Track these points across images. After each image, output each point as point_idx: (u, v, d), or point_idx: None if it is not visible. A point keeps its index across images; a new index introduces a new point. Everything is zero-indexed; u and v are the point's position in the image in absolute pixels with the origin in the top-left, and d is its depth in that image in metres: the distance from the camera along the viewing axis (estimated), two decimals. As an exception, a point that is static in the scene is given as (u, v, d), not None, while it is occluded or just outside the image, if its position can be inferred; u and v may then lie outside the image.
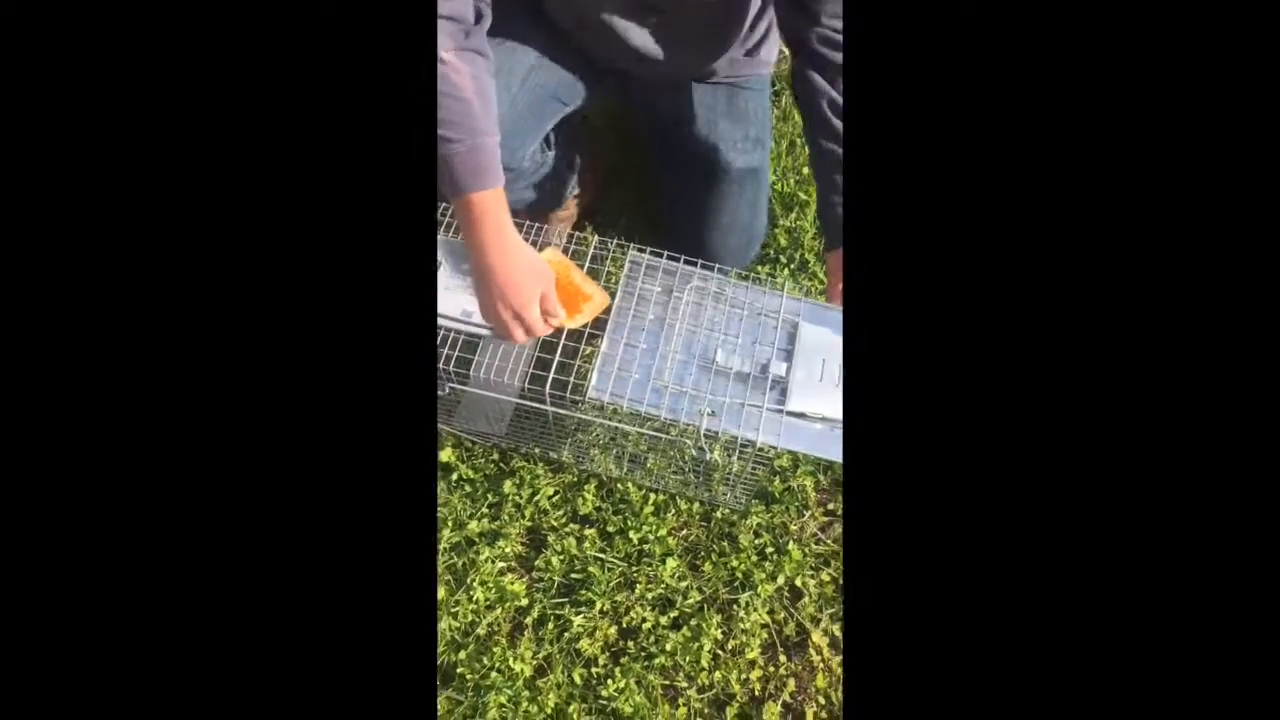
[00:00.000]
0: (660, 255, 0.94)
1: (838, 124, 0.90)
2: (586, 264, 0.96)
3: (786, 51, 1.31)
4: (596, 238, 1.01)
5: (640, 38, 0.97)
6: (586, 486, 1.05)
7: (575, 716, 0.93)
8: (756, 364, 0.89)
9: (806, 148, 1.08)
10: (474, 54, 0.78)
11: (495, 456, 1.08)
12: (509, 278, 0.82)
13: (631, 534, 1.03)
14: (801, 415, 0.87)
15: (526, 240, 0.85)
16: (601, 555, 1.02)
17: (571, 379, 0.86)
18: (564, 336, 0.89)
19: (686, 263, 0.94)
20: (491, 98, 0.80)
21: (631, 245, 0.96)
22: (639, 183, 0.92)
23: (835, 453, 0.87)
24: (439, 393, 0.90)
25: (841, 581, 1.03)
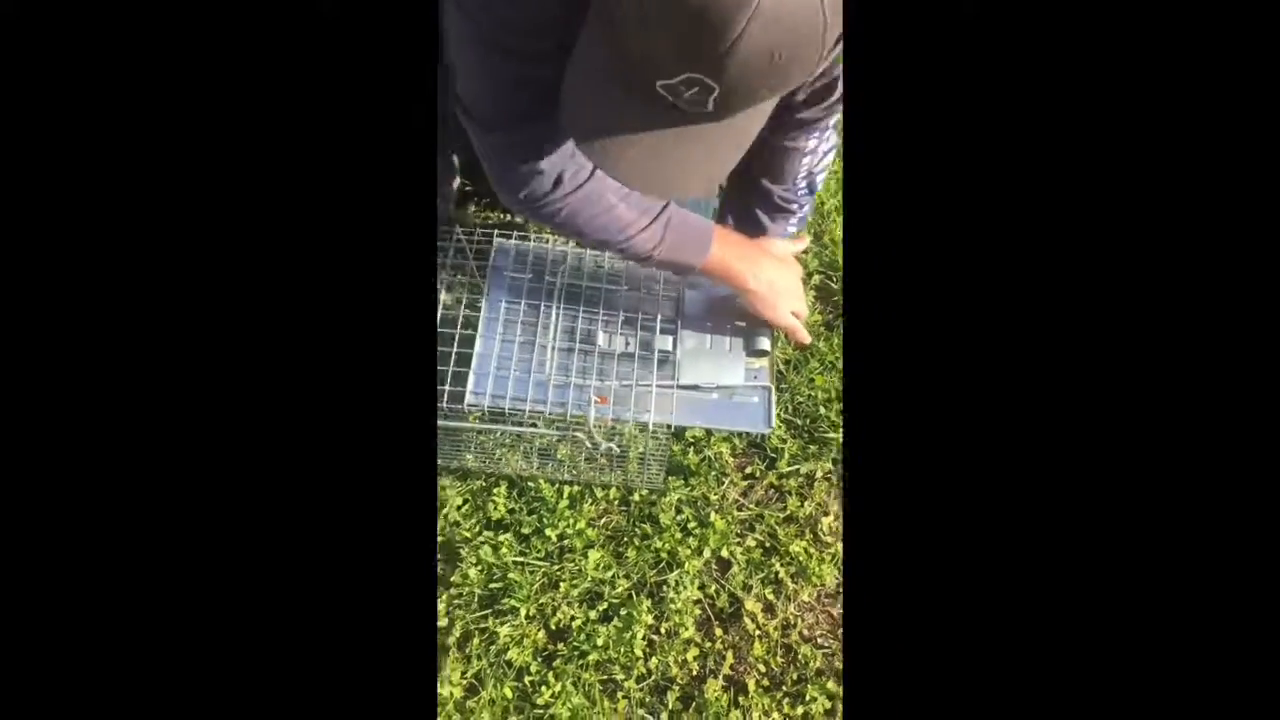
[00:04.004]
0: (527, 238, 0.88)
1: None
2: (449, 259, 0.90)
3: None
4: (459, 229, 0.95)
5: None
6: (496, 490, 1.00)
7: (513, 730, 0.89)
8: (641, 341, 0.85)
9: None
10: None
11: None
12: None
13: (549, 531, 0.98)
14: (695, 387, 0.83)
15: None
16: (521, 559, 0.98)
17: (447, 387, 0.80)
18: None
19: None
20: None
21: (495, 231, 0.90)
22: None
23: (734, 422, 0.83)
24: None
25: (766, 546, 1.01)
